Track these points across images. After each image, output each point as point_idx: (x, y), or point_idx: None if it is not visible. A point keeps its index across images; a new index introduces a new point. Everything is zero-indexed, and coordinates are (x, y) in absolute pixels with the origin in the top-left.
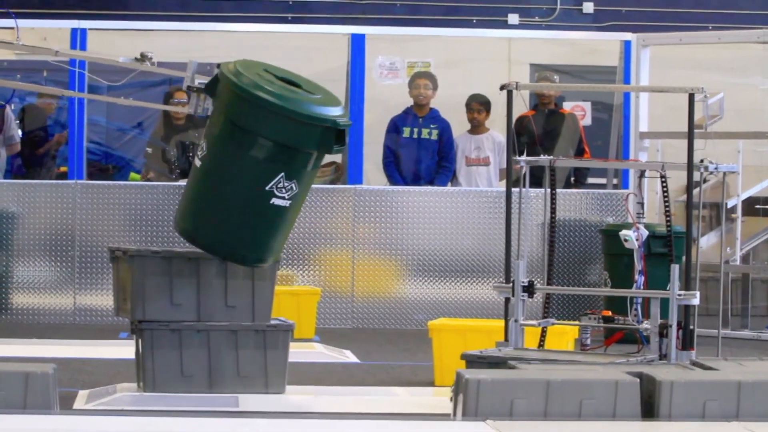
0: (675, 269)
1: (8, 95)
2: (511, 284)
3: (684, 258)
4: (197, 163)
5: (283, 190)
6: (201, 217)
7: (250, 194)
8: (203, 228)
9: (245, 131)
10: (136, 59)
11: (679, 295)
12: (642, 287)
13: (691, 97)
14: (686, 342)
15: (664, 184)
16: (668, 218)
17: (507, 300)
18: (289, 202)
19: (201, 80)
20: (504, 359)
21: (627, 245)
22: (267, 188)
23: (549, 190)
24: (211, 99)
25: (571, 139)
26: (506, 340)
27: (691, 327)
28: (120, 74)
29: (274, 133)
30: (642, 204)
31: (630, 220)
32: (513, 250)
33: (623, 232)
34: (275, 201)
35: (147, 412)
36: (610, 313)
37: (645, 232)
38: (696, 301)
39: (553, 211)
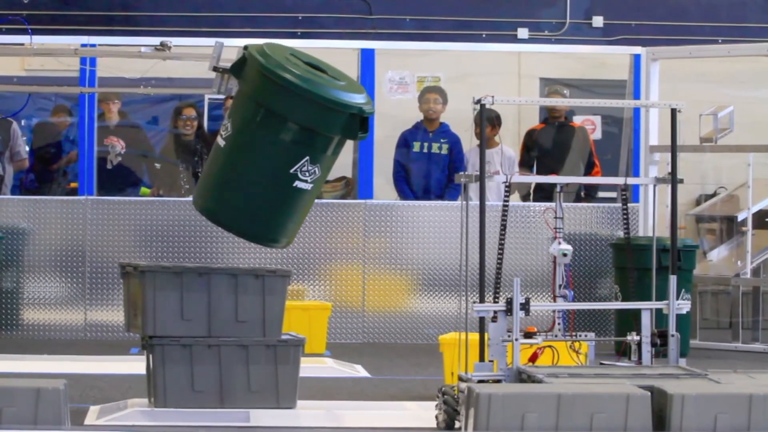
0: (673, 280)
1: (14, 111)
2: (504, 302)
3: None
4: (221, 142)
5: (307, 174)
6: (222, 195)
7: (275, 176)
8: (224, 206)
9: (272, 113)
10: (156, 48)
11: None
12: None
13: (673, 112)
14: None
15: (624, 197)
16: (675, 231)
17: (494, 318)
18: (311, 185)
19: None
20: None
21: (565, 260)
22: (291, 171)
23: (502, 204)
24: (236, 80)
25: (581, 152)
26: (485, 359)
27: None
28: (129, 87)
29: (300, 116)
30: (562, 219)
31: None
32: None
33: (562, 247)
34: (298, 184)
35: (158, 428)
36: (534, 329)
37: (569, 247)
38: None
39: (503, 227)
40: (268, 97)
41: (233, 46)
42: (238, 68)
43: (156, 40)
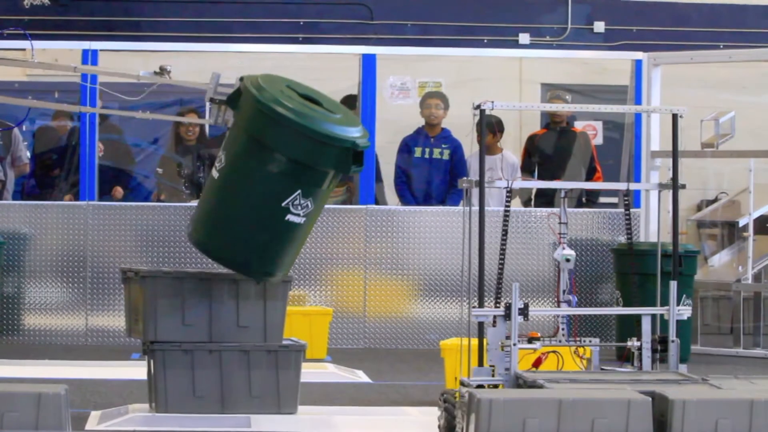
0: (674, 285)
1: (17, 117)
2: (503, 306)
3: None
4: (215, 174)
5: (299, 207)
6: (215, 229)
7: (266, 209)
8: (217, 239)
9: (265, 146)
10: (155, 73)
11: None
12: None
13: (675, 117)
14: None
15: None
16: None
17: (494, 323)
18: (303, 219)
19: (222, 92)
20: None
21: (569, 265)
22: (283, 204)
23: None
24: (232, 111)
25: (582, 158)
26: (485, 364)
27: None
28: (132, 94)
29: (292, 150)
30: (566, 224)
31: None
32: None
33: (566, 252)
34: (290, 218)
35: None
36: (537, 335)
37: (572, 252)
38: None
39: (504, 233)
40: (261, 130)
41: (235, 52)
42: (234, 100)
43: (157, 45)
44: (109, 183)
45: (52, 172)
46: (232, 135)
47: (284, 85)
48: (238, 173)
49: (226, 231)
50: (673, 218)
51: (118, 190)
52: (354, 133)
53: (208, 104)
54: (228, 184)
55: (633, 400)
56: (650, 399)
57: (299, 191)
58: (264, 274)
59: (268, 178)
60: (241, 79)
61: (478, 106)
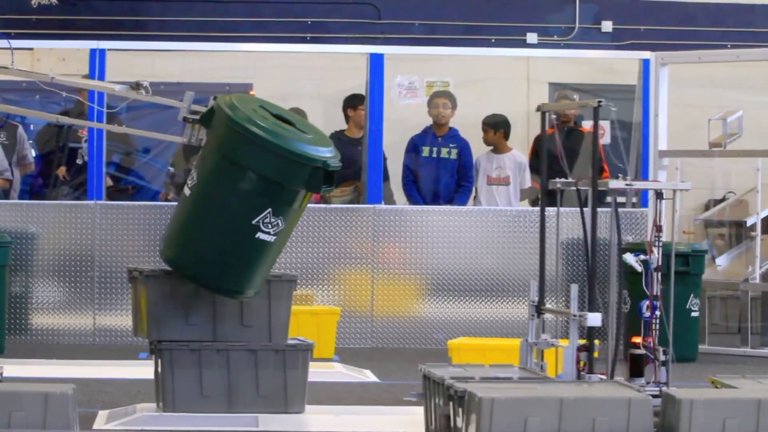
0: (574, 289)
1: (22, 116)
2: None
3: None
4: (186, 192)
5: (269, 226)
6: (186, 246)
7: (236, 227)
8: (187, 256)
9: (236, 164)
10: (132, 87)
11: (575, 315)
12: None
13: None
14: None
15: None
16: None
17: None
18: (274, 237)
19: (195, 111)
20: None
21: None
22: (254, 222)
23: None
24: (206, 130)
25: (590, 157)
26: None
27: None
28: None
29: (264, 168)
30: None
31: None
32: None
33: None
34: (260, 236)
35: None
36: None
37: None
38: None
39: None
40: (234, 149)
41: (242, 51)
42: (207, 119)
43: (165, 45)
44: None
45: (57, 171)
46: (205, 153)
47: (257, 105)
48: (209, 191)
49: (197, 248)
50: (703, 222)
51: (62, 170)
52: (325, 153)
53: (181, 121)
54: (199, 201)
55: (633, 398)
56: (650, 397)
57: (270, 209)
58: (234, 292)
59: (239, 196)
60: (215, 98)
61: (539, 108)
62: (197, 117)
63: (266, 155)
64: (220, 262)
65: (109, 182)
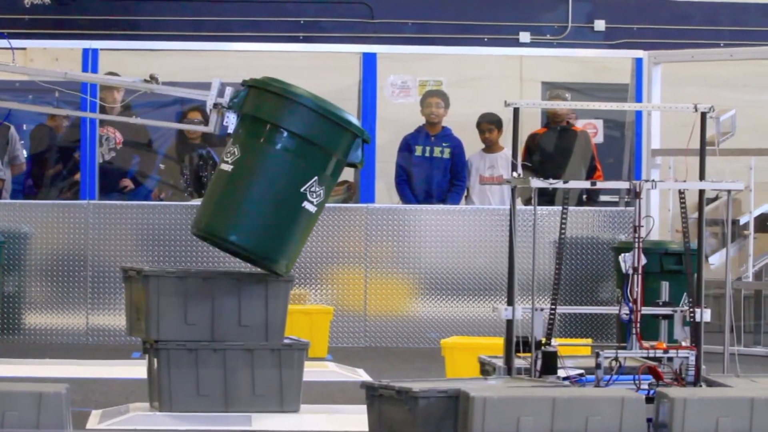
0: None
1: (15, 115)
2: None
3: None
4: (226, 168)
5: (314, 195)
6: (226, 215)
7: (286, 195)
8: (231, 228)
9: (284, 131)
10: (146, 80)
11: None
12: None
13: (703, 115)
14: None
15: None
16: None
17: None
18: (316, 209)
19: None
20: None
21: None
22: (302, 190)
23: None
24: (238, 111)
25: (583, 156)
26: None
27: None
28: (128, 92)
29: (311, 131)
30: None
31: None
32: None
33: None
34: (306, 205)
35: None
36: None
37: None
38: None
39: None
40: (279, 116)
41: (235, 50)
42: (241, 100)
43: (158, 44)
44: (116, 179)
45: (48, 171)
46: (246, 127)
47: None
48: (257, 160)
49: (242, 219)
50: (699, 220)
51: (126, 182)
52: (359, 124)
53: (209, 110)
54: (246, 172)
55: (626, 397)
56: (643, 397)
57: (316, 177)
58: (271, 262)
59: (287, 163)
60: (243, 83)
61: (510, 104)
62: (228, 102)
63: (313, 118)
64: (266, 232)
65: (130, 185)
